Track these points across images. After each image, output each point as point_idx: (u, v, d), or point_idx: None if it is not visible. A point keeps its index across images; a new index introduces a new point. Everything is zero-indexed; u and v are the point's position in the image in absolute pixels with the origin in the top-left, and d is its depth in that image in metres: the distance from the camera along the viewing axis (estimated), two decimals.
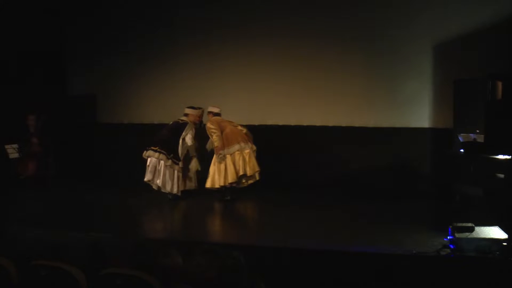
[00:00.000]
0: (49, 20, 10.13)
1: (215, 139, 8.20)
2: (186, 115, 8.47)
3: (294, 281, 5.10)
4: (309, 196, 8.80)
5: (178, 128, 8.34)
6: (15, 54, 9.56)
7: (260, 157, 8.40)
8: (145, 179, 8.31)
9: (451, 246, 5.45)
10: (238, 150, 8.20)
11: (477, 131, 7.29)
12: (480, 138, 7.05)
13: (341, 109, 9.36)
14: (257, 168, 8.32)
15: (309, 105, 9.48)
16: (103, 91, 10.59)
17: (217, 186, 8.22)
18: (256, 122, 9.53)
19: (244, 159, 8.22)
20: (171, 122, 8.53)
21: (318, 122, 9.49)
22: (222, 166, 8.17)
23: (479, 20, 8.48)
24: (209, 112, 8.51)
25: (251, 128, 8.87)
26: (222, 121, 8.42)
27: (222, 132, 8.26)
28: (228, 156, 8.17)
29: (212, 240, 6.39)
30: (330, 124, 9.41)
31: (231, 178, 8.16)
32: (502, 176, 6.21)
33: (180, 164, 8.30)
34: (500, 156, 6.31)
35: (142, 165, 8.41)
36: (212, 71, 9.81)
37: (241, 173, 8.21)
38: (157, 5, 10.12)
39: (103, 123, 10.64)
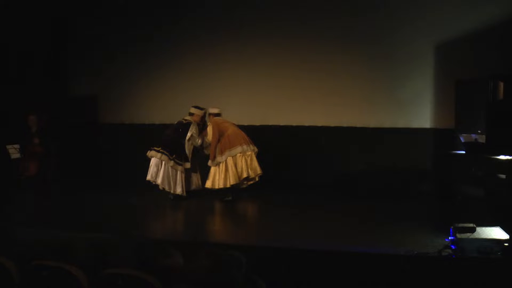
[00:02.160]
0: (51, 19, 10.13)
1: (212, 149, 8.29)
2: (191, 114, 8.46)
3: (295, 282, 5.10)
4: (309, 196, 8.79)
5: (182, 128, 8.34)
6: (17, 54, 9.56)
7: (261, 157, 8.39)
8: (147, 178, 8.33)
9: (453, 247, 5.44)
10: (240, 152, 8.19)
11: (479, 131, 7.29)
12: (482, 139, 7.06)
13: (342, 110, 9.36)
14: (259, 171, 8.30)
15: (310, 106, 9.48)
16: (105, 91, 10.60)
17: (217, 187, 8.22)
18: (257, 122, 9.55)
19: (246, 162, 8.22)
20: (175, 122, 8.53)
21: (319, 123, 9.48)
22: (223, 167, 8.17)
23: (480, 20, 8.47)
24: (210, 114, 8.52)
25: (252, 129, 8.89)
26: (223, 122, 8.41)
27: (223, 134, 8.26)
28: (230, 158, 8.17)
29: (213, 241, 6.38)
30: (332, 124, 9.41)
31: (233, 180, 8.15)
32: (503, 176, 6.21)
33: (187, 165, 8.31)
34: (502, 157, 6.32)
35: (143, 165, 8.43)
36: (213, 72, 9.81)
37: (244, 175, 8.20)
38: (159, 6, 10.13)
39: (105, 123, 10.64)
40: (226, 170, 8.17)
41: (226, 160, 8.16)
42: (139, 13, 10.28)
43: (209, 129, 8.34)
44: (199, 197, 8.54)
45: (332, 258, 5.44)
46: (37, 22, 9.83)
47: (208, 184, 8.28)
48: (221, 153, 8.20)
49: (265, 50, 9.60)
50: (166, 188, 8.27)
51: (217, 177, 8.19)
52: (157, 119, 10.00)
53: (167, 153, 8.22)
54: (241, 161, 8.19)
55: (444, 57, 8.79)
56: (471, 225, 5.52)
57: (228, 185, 8.17)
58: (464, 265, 5.22)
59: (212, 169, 8.26)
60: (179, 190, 8.26)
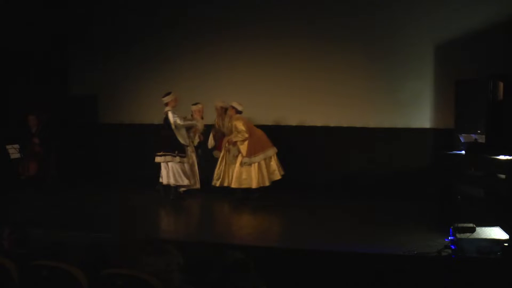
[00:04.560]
0: (51, 20, 10.12)
1: (242, 146, 8.28)
2: (166, 105, 8.43)
3: (296, 282, 5.10)
4: (309, 196, 8.80)
5: (166, 122, 8.40)
6: (17, 54, 9.56)
7: None
8: (164, 183, 8.43)
9: (452, 247, 5.45)
10: (272, 155, 8.38)
11: (478, 131, 7.30)
12: (481, 139, 7.06)
13: (342, 110, 9.36)
14: (282, 172, 8.46)
15: (310, 106, 9.48)
16: (104, 91, 10.60)
17: (246, 186, 8.26)
18: (256, 122, 9.51)
19: (277, 163, 8.41)
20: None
21: (319, 123, 9.49)
22: (256, 168, 8.25)
23: (480, 20, 8.47)
24: (232, 107, 8.48)
25: None
26: (248, 121, 8.47)
27: (253, 134, 8.33)
28: (263, 160, 8.27)
29: (215, 240, 6.38)
30: (332, 124, 9.42)
31: (267, 181, 8.30)
32: (503, 176, 6.21)
33: (189, 149, 8.39)
34: (501, 157, 6.31)
35: (143, 165, 8.45)
36: (213, 72, 9.81)
37: (276, 177, 8.38)
38: (159, 6, 10.13)
39: (104, 123, 10.65)
40: (260, 171, 8.25)
41: (259, 162, 8.26)
42: (139, 13, 10.27)
43: (239, 124, 8.30)
44: (199, 197, 8.55)
45: (332, 258, 5.44)
46: (37, 22, 9.82)
47: (235, 184, 8.29)
48: (255, 153, 8.26)
49: (264, 51, 9.60)
50: (177, 183, 8.32)
51: (244, 176, 8.22)
52: (157, 119, 9.93)
53: (169, 153, 8.26)
54: (273, 163, 8.37)
55: (444, 57, 8.79)
56: (471, 225, 5.53)
57: (258, 186, 8.26)
58: (464, 265, 5.22)
59: (239, 169, 8.27)
60: (186, 182, 8.31)
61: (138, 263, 3.30)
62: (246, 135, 8.23)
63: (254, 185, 8.24)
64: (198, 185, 8.69)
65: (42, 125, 9.35)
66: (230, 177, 8.38)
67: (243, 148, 8.25)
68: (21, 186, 9.06)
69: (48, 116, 9.44)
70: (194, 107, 8.68)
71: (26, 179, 9.19)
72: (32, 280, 3.57)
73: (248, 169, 8.25)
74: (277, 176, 8.39)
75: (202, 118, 8.68)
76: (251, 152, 8.24)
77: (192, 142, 8.65)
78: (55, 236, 5.81)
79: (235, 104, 8.44)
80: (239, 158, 8.28)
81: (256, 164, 8.25)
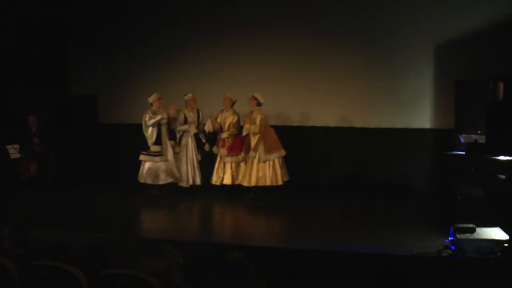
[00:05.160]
0: (51, 19, 10.12)
1: (253, 138, 8.30)
2: (151, 105, 8.67)
3: (296, 282, 5.10)
4: (309, 196, 8.79)
5: None
6: (17, 54, 9.56)
7: None
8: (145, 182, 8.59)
9: (452, 247, 5.45)
10: (284, 155, 8.42)
11: (479, 131, 7.29)
12: (482, 139, 7.05)
13: (342, 110, 9.36)
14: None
15: (310, 106, 9.48)
16: (104, 91, 10.60)
17: (267, 184, 8.28)
18: None
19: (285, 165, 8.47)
20: None
21: (319, 123, 9.48)
22: (271, 165, 8.29)
23: (480, 20, 8.48)
24: (254, 98, 8.49)
25: None
26: (266, 118, 8.51)
27: (268, 131, 8.39)
28: (277, 159, 8.32)
29: (215, 240, 6.39)
30: (332, 125, 9.42)
31: (280, 180, 8.32)
32: (503, 177, 6.21)
33: (154, 148, 8.51)
34: (502, 157, 6.31)
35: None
36: (214, 72, 9.80)
37: (286, 178, 8.42)
38: (159, 6, 10.13)
39: (104, 123, 10.64)
40: (274, 169, 8.29)
41: (274, 160, 8.30)
42: (139, 13, 10.27)
43: (258, 118, 8.33)
44: (199, 197, 8.55)
45: (332, 258, 5.44)
46: (37, 22, 9.82)
47: (253, 182, 8.29)
48: (270, 151, 8.29)
49: (265, 51, 9.59)
50: (146, 181, 8.52)
51: (261, 174, 8.25)
52: None
53: (144, 152, 8.53)
54: (284, 164, 8.41)
55: (444, 57, 8.79)
56: (471, 225, 5.53)
57: (271, 184, 8.27)
58: (464, 265, 5.22)
59: (256, 166, 8.29)
60: (160, 181, 8.49)
61: (138, 263, 3.30)
62: (257, 131, 8.24)
63: (268, 182, 8.26)
64: (198, 182, 8.72)
65: (42, 125, 9.35)
66: (231, 176, 8.44)
67: (253, 140, 8.27)
68: (21, 186, 9.05)
69: (48, 116, 9.43)
70: (185, 97, 8.77)
71: (26, 179, 9.19)
72: (32, 280, 3.57)
73: (263, 166, 8.27)
74: (287, 177, 8.44)
75: (197, 109, 8.80)
76: (267, 150, 8.27)
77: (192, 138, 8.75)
78: (55, 236, 5.81)
79: (257, 95, 8.47)
80: (252, 155, 8.32)
81: (271, 162, 8.28)
